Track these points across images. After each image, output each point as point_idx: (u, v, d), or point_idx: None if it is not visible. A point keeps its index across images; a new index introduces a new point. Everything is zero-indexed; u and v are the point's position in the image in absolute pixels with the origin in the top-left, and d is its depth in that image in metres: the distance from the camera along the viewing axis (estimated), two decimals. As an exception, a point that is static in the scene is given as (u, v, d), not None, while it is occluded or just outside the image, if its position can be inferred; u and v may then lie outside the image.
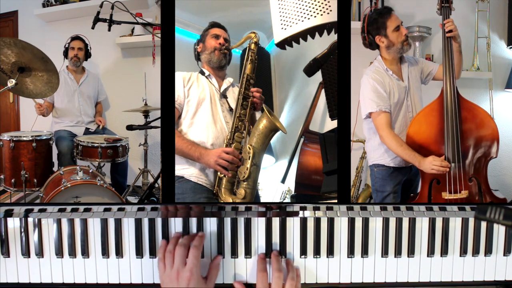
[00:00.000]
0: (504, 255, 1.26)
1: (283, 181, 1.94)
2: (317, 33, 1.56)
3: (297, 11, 1.55)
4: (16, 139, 2.53)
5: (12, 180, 2.56)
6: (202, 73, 1.65)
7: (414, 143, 1.84)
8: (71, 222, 1.20)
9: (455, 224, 1.25)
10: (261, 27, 1.85)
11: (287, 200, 1.89)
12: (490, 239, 1.25)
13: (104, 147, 2.69)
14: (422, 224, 1.24)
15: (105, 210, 1.21)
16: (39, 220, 1.20)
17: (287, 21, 1.57)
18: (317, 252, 1.22)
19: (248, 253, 1.21)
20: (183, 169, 1.52)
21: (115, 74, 3.58)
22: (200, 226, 1.20)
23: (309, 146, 1.87)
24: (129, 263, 1.21)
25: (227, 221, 1.21)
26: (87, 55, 3.18)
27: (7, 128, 3.77)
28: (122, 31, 3.36)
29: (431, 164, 1.77)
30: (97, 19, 2.44)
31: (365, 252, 1.23)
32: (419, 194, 1.90)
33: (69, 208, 1.21)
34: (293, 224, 1.22)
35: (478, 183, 1.81)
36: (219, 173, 1.50)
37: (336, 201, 1.33)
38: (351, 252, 1.23)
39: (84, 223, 1.20)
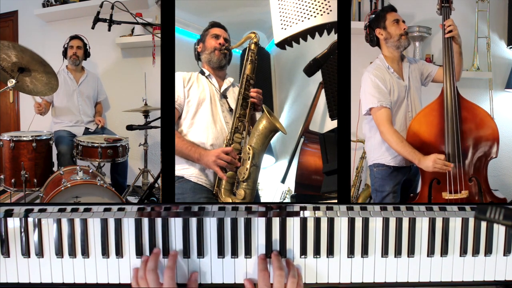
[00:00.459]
0: (504, 255, 1.26)
1: (283, 181, 1.94)
2: (317, 33, 1.56)
3: (297, 11, 1.55)
4: (16, 139, 2.53)
5: (12, 180, 2.56)
6: (202, 73, 1.65)
7: (414, 143, 1.84)
8: (71, 222, 1.20)
9: (455, 224, 1.25)
10: (261, 27, 1.86)
11: (287, 200, 1.89)
12: (490, 239, 1.25)
13: (104, 147, 2.69)
14: (422, 224, 1.24)
15: (105, 210, 1.21)
16: (39, 220, 1.20)
17: (287, 21, 1.57)
18: (317, 252, 1.22)
19: (248, 253, 1.21)
20: (183, 169, 1.52)
21: (115, 74, 3.58)
22: (200, 226, 1.20)
23: (309, 146, 1.87)
24: (129, 263, 1.21)
25: (227, 221, 1.21)
26: (86, 54, 3.18)
27: (7, 128, 3.77)
28: (122, 31, 3.36)
29: (434, 163, 1.76)
30: (97, 19, 2.44)
31: (365, 252, 1.23)
32: (419, 194, 1.90)
33: (69, 208, 1.21)
34: (293, 224, 1.22)
35: (478, 183, 1.81)
36: (219, 173, 1.50)
37: (336, 201, 1.34)
38: (351, 252, 1.23)
39: (84, 223, 1.20)
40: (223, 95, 1.64)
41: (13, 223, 1.21)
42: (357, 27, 2.77)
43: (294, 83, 2.09)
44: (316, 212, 1.22)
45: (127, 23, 2.55)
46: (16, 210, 1.20)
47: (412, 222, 1.24)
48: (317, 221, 1.22)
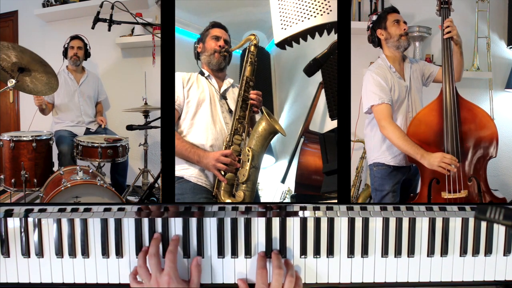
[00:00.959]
0: (504, 255, 1.26)
1: (283, 181, 1.94)
2: (317, 33, 1.56)
3: (297, 11, 1.55)
4: (16, 139, 2.53)
5: (12, 180, 2.56)
6: (202, 73, 1.65)
7: (414, 143, 1.84)
8: (71, 222, 1.20)
9: (455, 224, 1.25)
10: (261, 27, 1.86)
11: (287, 200, 1.89)
12: (490, 239, 1.25)
13: (104, 147, 2.69)
14: (422, 224, 1.24)
15: (105, 210, 1.21)
16: (39, 220, 1.20)
17: (287, 21, 1.57)
18: (317, 252, 1.22)
19: (248, 253, 1.21)
20: (183, 170, 1.52)
21: (115, 74, 3.58)
22: (200, 226, 1.20)
23: (309, 146, 1.87)
24: (129, 263, 1.21)
25: (227, 221, 1.21)
26: (87, 54, 3.18)
27: (7, 128, 3.77)
28: (122, 31, 3.36)
29: (440, 161, 1.75)
30: (97, 19, 2.44)
31: (365, 252, 1.23)
32: (419, 193, 1.90)
33: (69, 208, 1.21)
34: (293, 224, 1.22)
35: (477, 183, 1.81)
36: (218, 174, 1.50)
37: (336, 201, 1.33)
38: (351, 252, 1.23)
39: (84, 223, 1.20)
40: (223, 96, 1.64)
41: (13, 223, 1.21)
42: (357, 27, 2.77)
43: (294, 83, 2.09)
44: (316, 212, 1.22)
45: (127, 23, 2.55)
46: (16, 210, 1.20)
47: (412, 222, 1.24)
48: (317, 221, 1.22)
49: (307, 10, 1.54)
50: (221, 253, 1.21)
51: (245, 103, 1.55)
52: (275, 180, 1.98)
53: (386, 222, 1.23)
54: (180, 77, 1.59)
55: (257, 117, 1.60)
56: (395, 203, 1.54)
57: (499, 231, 1.25)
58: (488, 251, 1.25)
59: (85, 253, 1.20)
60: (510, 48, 2.98)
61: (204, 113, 1.57)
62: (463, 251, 1.24)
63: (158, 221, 1.21)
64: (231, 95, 1.67)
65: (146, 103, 3.10)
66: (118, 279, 1.21)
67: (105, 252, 1.21)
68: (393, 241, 1.24)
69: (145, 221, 1.21)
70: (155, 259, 1.13)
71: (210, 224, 1.21)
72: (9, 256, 1.21)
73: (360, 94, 2.04)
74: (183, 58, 1.65)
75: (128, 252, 1.21)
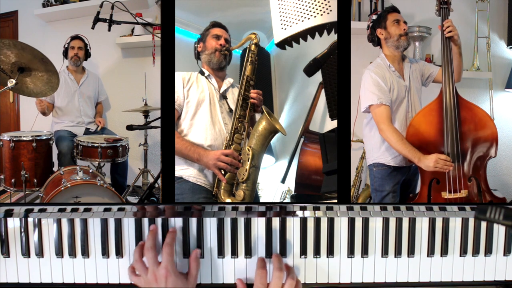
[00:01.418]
0: (504, 255, 1.26)
1: (283, 181, 1.94)
2: (317, 33, 1.56)
3: (297, 11, 1.55)
4: (16, 139, 2.53)
5: (12, 180, 2.56)
6: (202, 73, 1.65)
7: (413, 143, 1.84)
8: (71, 222, 1.20)
9: (455, 224, 1.25)
10: (261, 27, 1.86)
11: (287, 200, 1.89)
12: (490, 239, 1.25)
13: (104, 147, 2.69)
14: (422, 224, 1.24)
15: (105, 210, 1.21)
16: (39, 220, 1.20)
17: (287, 21, 1.57)
18: (317, 252, 1.22)
19: (248, 253, 1.21)
20: (182, 170, 1.52)
21: (115, 74, 3.58)
22: (200, 226, 1.20)
23: (309, 146, 1.87)
24: (129, 263, 1.21)
25: (227, 221, 1.21)
26: (87, 54, 3.18)
27: (7, 128, 3.77)
28: (122, 31, 3.36)
29: (435, 162, 1.76)
30: (97, 19, 2.44)
31: (365, 252, 1.23)
32: (419, 193, 1.90)
33: (69, 208, 1.21)
34: (293, 224, 1.22)
35: (477, 183, 1.81)
36: (218, 174, 1.50)
37: (336, 201, 1.33)
38: (351, 252, 1.23)
39: (84, 223, 1.20)
40: (223, 96, 1.64)
41: (13, 223, 1.20)
42: (357, 27, 2.78)
43: (294, 83, 2.09)
44: (316, 212, 1.21)
45: (127, 23, 2.56)
46: (16, 210, 1.20)
47: (412, 222, 1.24)
48: (317, 221, 1.22)
49: (307, 10, 1.54)
50: (221, 253, 1.21)
51: (245, 102, 1.55)
52: (275, 180, 1.98)
53: (386, 222, 1.23)
54: (180, 76, 1.59)
55: (257, 116, 1.60)
56: (395, 203, 1.54)
57: (499, 231, 1.25)
58: (488, 251, 1.25)
59: (85, 253, 1.20)
60: (510, 48, 2.98)
61: (204, 114, 1.57)
62: (463, 251, 1.24)
63: (158, 221, 1.21)
64: (231, 95, 1.67)
65: (146, 104, 3.10)
66: (118, 279, 1.21)
67: (105, 252, 1.21)
68: (393, 241, 1.24)
69: (145, 221, 1.21)
70: (151, 253, 1.12)
71: (210, 224, 1.21)
72: (9, 256, 1.21)
73: (360, 91, 2.04)
74: (183, 58, 1.65)
75: (128, 252, 1.21)
